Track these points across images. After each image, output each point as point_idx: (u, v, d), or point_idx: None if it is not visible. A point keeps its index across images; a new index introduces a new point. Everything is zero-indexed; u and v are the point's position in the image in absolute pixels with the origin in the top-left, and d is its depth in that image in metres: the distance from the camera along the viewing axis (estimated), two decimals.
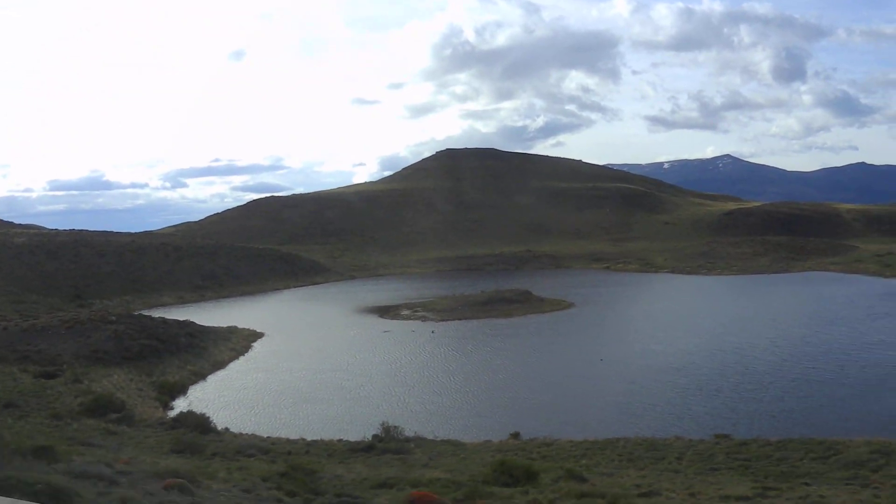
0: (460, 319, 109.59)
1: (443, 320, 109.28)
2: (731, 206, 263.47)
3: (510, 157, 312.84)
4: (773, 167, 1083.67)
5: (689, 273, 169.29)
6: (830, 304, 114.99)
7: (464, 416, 58.39)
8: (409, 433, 48.07)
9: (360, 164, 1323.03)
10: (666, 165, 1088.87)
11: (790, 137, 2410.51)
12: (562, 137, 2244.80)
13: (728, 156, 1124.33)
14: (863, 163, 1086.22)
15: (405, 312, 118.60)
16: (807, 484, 31.29)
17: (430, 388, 68.53)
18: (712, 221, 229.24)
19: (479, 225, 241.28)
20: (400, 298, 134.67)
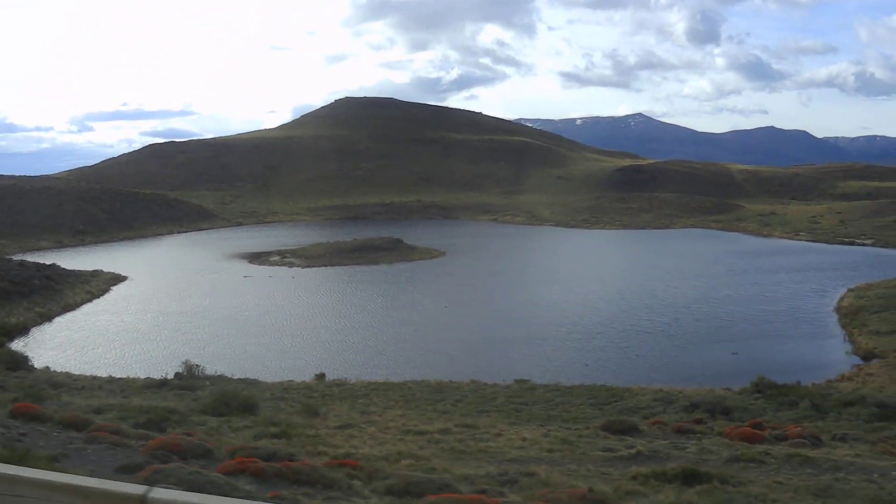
0: (326, 266, 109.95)
1: (308, 266, 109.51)
2: (627, 162, 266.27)
3: (408, 108, 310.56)
4: (684, 128, 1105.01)
5: (572, 227, 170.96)
6: (694, 260, 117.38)
7: (282, 358, 58.05)
8: (212, 372, 47.73)
9: (272, 112, 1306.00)
10: (578, 122, 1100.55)
11: (702, 99, 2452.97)
12: (476, 90, 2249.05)
13: (640, 115, 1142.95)
14: (772, 127, 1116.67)
15: (274, 258, 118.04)
16: (542, 425, 31.86)
17: (263, 332, 67.83)
18: (604, 177, 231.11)
19: (372, 174, 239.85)
20: (277, 245, 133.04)
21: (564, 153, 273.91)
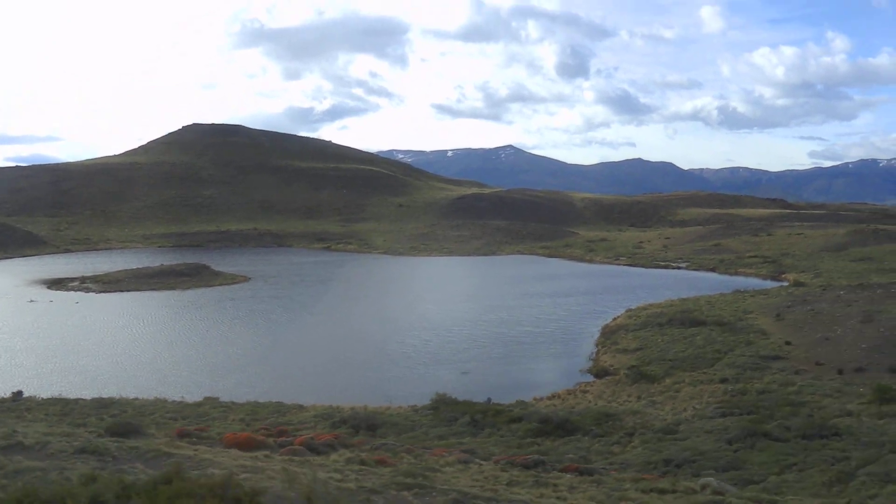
0: (121, 291, 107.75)
1: (103, 291, 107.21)
2: (471, 191, 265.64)
3: (256, 135, 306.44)
4: (554, 159, 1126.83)
5: (400, 254, 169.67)
6: (495, 284, 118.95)
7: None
8: None
9: (140, 140, 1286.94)
10: (450, 153, 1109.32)
11: (572, 131, 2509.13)
12: (348, 121, 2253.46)
13: (511, 146, 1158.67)
14: (640, 158, 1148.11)
15: (73, 284, 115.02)
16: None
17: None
18: (445, 205, 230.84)
19: (213, 202, 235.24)
20: (87, 271, 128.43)
21: (411, 182, 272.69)
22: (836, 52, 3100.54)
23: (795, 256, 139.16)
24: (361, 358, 64.16)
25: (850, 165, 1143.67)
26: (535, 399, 48.98)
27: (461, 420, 38.95)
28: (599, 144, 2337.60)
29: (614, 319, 77.71)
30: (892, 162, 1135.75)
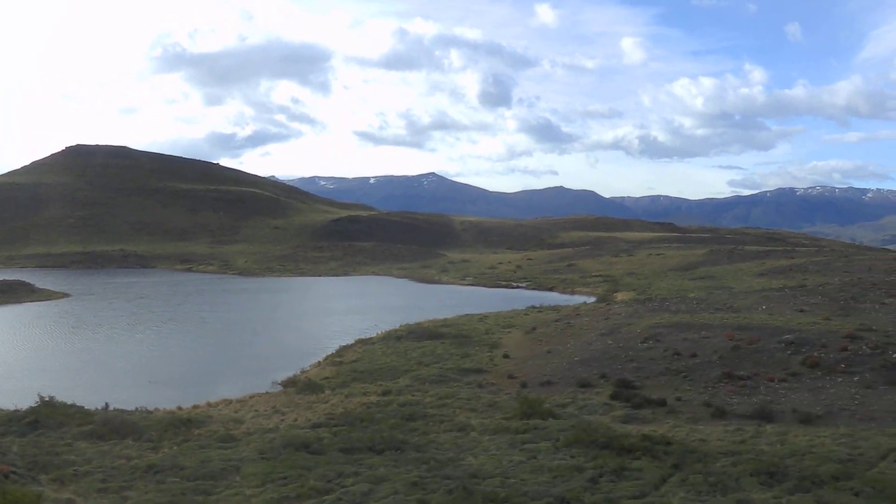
0: None
1: None
2: (351, 213, 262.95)
3: (139, 157, 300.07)
4: (476, 187, 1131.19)
5: (254, 275, 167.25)
6: (299, 301, 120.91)
7: None
8: None
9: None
10: (372, 181, 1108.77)
11: (494, 159, 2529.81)
12: (270, 147, 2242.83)
13: (433, 174, 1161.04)
14: (561, 187, 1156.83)
15: None
16: None
17: None
18: (319, 228, 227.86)
19: (85, 223, 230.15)
20: None
21: (294, 205, 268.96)
22: (753, 83, 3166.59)
23: (639, 276, 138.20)
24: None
25: (768, 194, 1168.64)
26: (193, 406, 45.86)
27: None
28: (522, 172, 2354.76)
29: (377, 334, 74.62)
30: (809, 191, 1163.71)
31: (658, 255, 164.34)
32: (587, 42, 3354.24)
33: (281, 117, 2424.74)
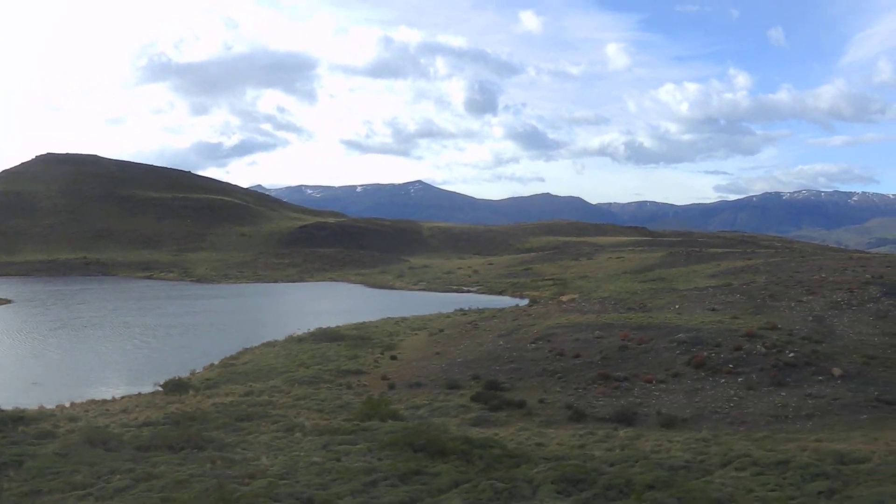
0: None
1: None
2: (318, 220, 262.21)
3: (108, 165, 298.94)
4: (463, 195, 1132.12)
5: (212, 281, 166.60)
6: (237, 307, 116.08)
7: None
8: None
9: None
10: (359, 189, 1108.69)
11: (481, 167, 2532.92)
12: (257, 156, 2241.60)
13: (420, 182, 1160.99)
14: (548, 193, 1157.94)
15: None
16: None
17: None
18: (285, 235, 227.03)
19: (50, 231, 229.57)
20: None
21: (264, 213, 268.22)
22: (738, 88, 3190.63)
23: (591, 279, 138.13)
24: None
25: (755, 198, 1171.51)
26: (57, 406, 44.72)
27: None
28: (509, 180, 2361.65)
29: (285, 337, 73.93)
30: (795, 195, 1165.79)
31: (618, 258, 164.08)
32: (572, 48, 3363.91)
33: (267, 126, 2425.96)
